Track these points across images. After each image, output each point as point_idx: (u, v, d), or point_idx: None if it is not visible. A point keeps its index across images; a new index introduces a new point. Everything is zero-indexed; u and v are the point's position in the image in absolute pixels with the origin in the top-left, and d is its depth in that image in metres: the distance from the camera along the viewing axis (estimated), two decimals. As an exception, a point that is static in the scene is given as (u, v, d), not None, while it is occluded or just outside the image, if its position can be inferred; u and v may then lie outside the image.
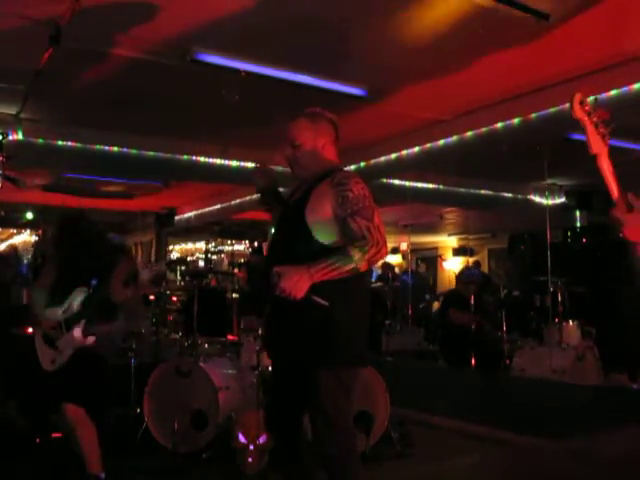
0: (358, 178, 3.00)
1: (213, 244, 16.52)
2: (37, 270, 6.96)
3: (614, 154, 2.43)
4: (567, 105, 2.61)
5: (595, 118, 2.48)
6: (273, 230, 3.21)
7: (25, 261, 10.55)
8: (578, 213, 10.84)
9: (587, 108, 2.50)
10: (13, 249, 10.12)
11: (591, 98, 2.53)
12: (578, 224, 10.85)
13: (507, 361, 6.89)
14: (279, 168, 3.68)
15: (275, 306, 3.03)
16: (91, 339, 3.88)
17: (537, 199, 11.12)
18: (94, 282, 3.91)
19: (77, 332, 3.87)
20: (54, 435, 4.65)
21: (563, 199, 10.76)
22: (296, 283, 2.70)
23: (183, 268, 10.10)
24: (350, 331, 2.95)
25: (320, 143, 3.11)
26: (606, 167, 2.46)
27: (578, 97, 2.52)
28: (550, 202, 10.26)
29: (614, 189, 2.45)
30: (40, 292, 4.17)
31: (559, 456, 4.64)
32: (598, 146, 2.45)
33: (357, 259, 2.77)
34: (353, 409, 4.81)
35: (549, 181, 9.57)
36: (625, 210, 2.40)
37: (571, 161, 7.32)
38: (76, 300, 3.90)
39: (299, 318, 2.88)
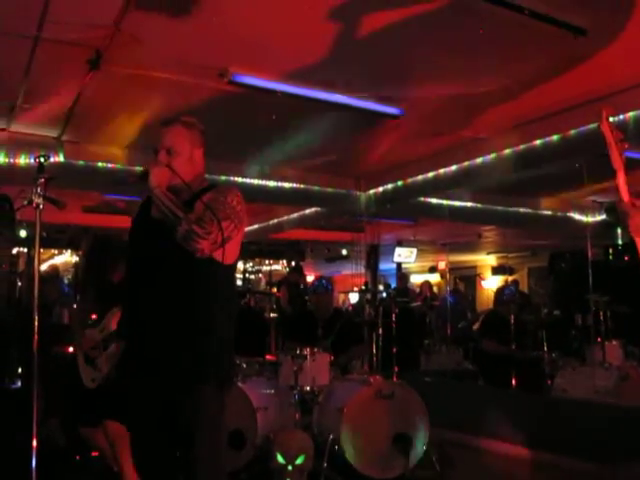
0: (237, 191, 2.92)
1: (251, 264, 16.58)
2: (77, 289, 7.12)
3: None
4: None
5: (616, 135, 2.66)
6: (134, 246, 3.01)
7: (66, 281, 10.74)
8: (619, 230, 10.65)
9: (611, 124, 2.68)
10: (54, 269, 10.27)
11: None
12: (619, 241, 10.66)
13: (548, 381, 6.77)
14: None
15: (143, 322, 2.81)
16: None
17: (577, 216, 10.97)
18: None
19: (113, 349, 3.92)
20: (94, 453, 4.68)
21: (604, 216, 10.61)
22: None
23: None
24: (228, 345, 2.83)
25: (197, 154, 3.01)
26: (622, 180, 2.69)
27: (606, 112, 2.71)
28: (590, 219, 10.12)
29: (625, 193, 2.69)
30: (79, 315, 4.32)
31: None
32: (617, 161, 2.59)
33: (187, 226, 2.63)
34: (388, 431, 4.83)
35: (589, 198, 9.44)
36: (631, 206, 2.66)
37: (611, 178, 7.21)
38: (112, 320, 3.96)
39: (175, 334, 2.73)
